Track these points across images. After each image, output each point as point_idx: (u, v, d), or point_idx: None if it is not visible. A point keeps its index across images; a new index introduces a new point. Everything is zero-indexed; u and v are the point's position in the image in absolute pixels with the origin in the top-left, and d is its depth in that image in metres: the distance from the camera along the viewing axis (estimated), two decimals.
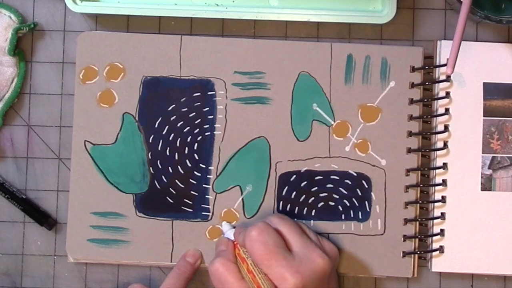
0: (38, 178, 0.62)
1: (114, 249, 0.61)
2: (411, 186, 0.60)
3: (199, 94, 0.61)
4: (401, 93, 0.61)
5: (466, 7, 0.53)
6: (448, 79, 0.60)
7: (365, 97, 0.61)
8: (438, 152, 0.61)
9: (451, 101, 0.61)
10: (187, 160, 0.61)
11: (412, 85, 0.61)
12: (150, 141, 0.61)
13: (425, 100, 0.60)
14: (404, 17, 0.62)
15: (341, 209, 0.61)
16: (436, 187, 0.60)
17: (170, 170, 0.61)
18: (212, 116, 0.61)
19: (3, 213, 0.62)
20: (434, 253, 0.60)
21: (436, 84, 0.61)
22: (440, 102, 0.61)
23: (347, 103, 0.61)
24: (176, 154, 0.61)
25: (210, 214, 0.61)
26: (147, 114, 0.61)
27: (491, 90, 0.61)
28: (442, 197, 0.60)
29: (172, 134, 0.61)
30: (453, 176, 0.60)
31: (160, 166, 0.61)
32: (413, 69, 0.61)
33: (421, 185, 0.60)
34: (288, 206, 0.61)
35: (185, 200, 0.61)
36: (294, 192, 0.61)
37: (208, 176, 0.61)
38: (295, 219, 0.60)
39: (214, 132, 0.61)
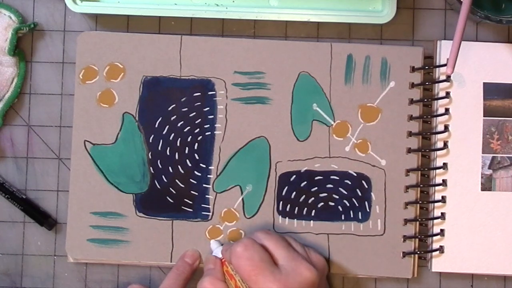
0: (38, 178, 0.62)
1: (114, 249, 0.60)
2: (411, 186, 0.60)
3: (199, 94, 0.61)
4: (401, 93, 0.61)
5: (466, 7, 0.53)
6: (448, 79, 0.60)
7: (365, 97, 0.61)
8: (438, 152, 0.61)
9: (451, 101, 0.61)
10: (187, 160, 0.61)
11: (412, 85, 0.61)
12: (150, 141, 0.61)
13: (425, 100, 0.60)
14: (404, 17, 0.62)
15: (341, 209, 0.61)
16: (436, 187, 0.60)
17: (170, 170, 0.61)
18: (212, 116, 0.61)
19: (3, 213, 0.62)
20: (434, 253, 0.60)
21: (436, 84, 0.61)
22: (440, 102, 0.61)
23: (347, 103, 0.61)
24: (176, 154, 0.61)
25: (210, 214, 0.61)
26: (147, 114, 0.61)
27: (491, 90, 0.61)
28: (442, 197, 0.60)
29: (172, 134, 0.61)
30: (453, 176, 0.60)
31: (160, 166, 0.61)
32: (413, 69, 0.61)
33: (421, 185, 0.60)
34: (288, 206, 0.61)
35: (185, 200, 0.61)
36: (294, 192, 0.61)
37: (208, 176, 0.61)
38: (295, 219, 0.60)
39: (214, 132, 0.61)
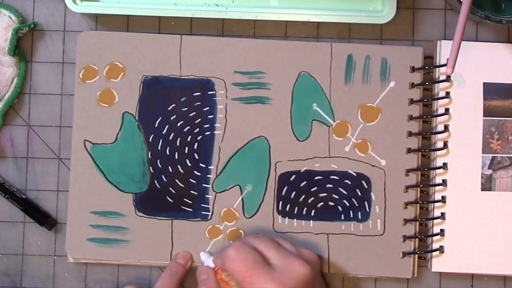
0: (38, 178, 0.62)
1: (113, 249, 0.60)
2: (411, 186, 0.60)
3: (199, 93, 0.61)
4: (401, 93, 0.61)
5: (466, 7, 0.53)
6: (448, 79, 0.60)
7: (365, 97, 0.61)
8: (438, 152, 0.61)
9: (451, 101, 0.61)
10: (187, 160, 0.61)
11: (412, 85, 0.61)
12: (150, 140, 0.61)
13: (425, 100, 0.60)
14: (404, 17, 0.62)
15: (340, 209, 0.61)
16: (436, 187, 0.60)
17: (170, 170, 0.61)
18: (212, 116, 0.61)
19: (3, 213, 0.62)
20: (434, 253, 0.60)
21: (436, 84, 0.61)
22: (440, 102, 0.61)
23: (347, 103, 0.61)
24: (176, 153, 0.61)
25: (210, 213, 0.61)
26: (147, 113, 0.61)
27: (491, 90, 0.61)
28: (442, 197, 0.60)
29: (172, 134, 0.61)
30: (453, 176, 0.60)
31: (160, 166, 0.61)
32: (413, 69, 0.61)
33: (421, 185, 0.60)
34: (288, 206, 0.61)
35: (185, 199, 0.61)
36: (294, 192, 0.61)
37: (208, 176, 0.61)
38: (295, 219, 0.60)
39: (214, 132, 0.61)
